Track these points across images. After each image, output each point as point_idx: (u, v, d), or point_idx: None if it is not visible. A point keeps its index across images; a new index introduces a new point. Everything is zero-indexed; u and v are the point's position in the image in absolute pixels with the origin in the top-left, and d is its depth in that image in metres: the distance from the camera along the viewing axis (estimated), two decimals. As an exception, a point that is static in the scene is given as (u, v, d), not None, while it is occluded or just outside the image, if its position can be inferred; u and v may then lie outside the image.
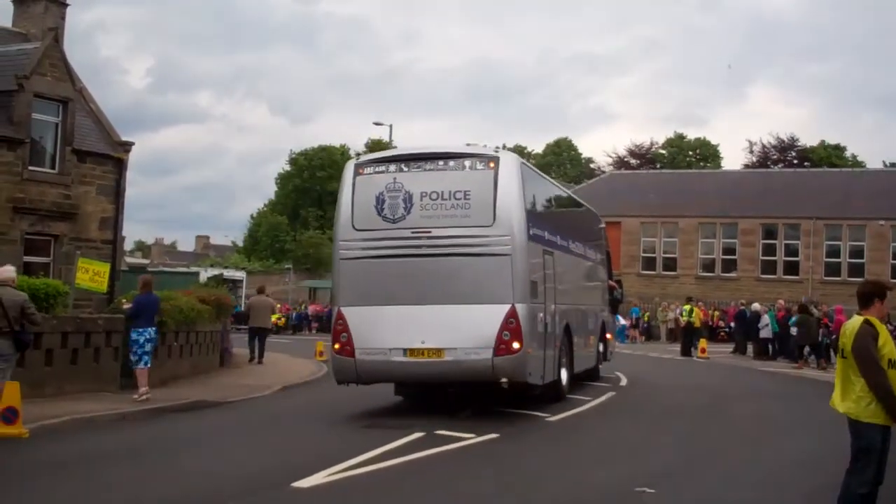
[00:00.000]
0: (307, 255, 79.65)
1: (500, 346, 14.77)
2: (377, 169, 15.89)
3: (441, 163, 15.74)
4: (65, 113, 25.87)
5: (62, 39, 26.94)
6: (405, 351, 15.09)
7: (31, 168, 24.86)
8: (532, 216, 15.94)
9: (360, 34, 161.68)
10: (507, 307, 14.88)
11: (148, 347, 16.72)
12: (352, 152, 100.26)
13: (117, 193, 27.38)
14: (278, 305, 53.76)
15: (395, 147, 63.39)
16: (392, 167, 15.82)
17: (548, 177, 21.57)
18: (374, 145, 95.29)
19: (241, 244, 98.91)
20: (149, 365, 16.77)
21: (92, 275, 19.54)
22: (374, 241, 15.50)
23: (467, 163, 15.64)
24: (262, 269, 77.19)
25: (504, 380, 15.03)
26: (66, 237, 25.39)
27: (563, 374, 17.90)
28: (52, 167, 25.74)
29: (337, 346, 15.57)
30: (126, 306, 17.61)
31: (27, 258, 24.29)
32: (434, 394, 17.56)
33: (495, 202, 15.23)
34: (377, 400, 18.12)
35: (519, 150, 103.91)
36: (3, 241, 23.65)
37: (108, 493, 9.56)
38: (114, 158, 27.37)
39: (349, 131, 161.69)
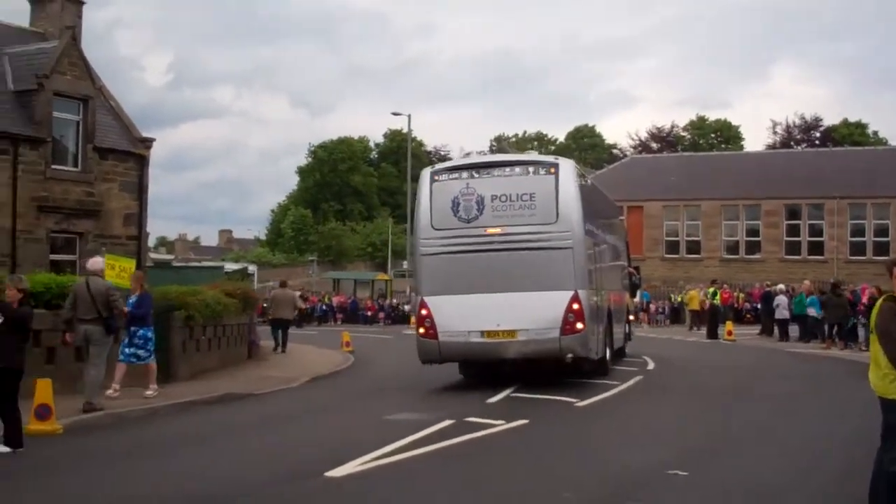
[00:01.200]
0: (329, 246, 79.83)
1: (566, 327, 16.92)
2: (451, 176, 17.95)
3: (508, 169, 17.90)
4: (85, 111, 26.01)
5: (80, 38, 27.04)
6: (482, 333, 17.20)
7: (53, 167, 25.02)
8: (584, 213, 17.78)
9: (379, 25, 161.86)
10: (570, 293, 16.96)
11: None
12: (371, 143, 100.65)
13: (140, 190, 27.53)
14: (308, 297, 54.16)
15: (415, 137, 63.51)
16: (464, 174, 17.88)
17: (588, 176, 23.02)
18: (394, 136, 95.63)
19: (263, 237, 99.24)
20: None
21: (118, 271, 19.57)
22: (452, 239, 17.53)
23: (531, 169, 17.80)
24: (286, 261, 77.45)
25: (570, 356, 17.18)
26: (91, 234, 25.55)
27: (608, 352, 19.86)
28: (75, 165, 25.90)
29: (422, 330, 17.64)
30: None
31: (53, 256, 24.49)
32: (487, 374, 18.96)
33: (557, 202, 17.29)
34: (407, 388, 18.34)
35: (540, 138, 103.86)
36: (29, 240, 23.85)
37: (141, 486, 9.61)
38: (135, 155, 27.51)
39: (369, 122, 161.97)
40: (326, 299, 58.69)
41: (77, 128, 25.98)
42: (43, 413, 12.52)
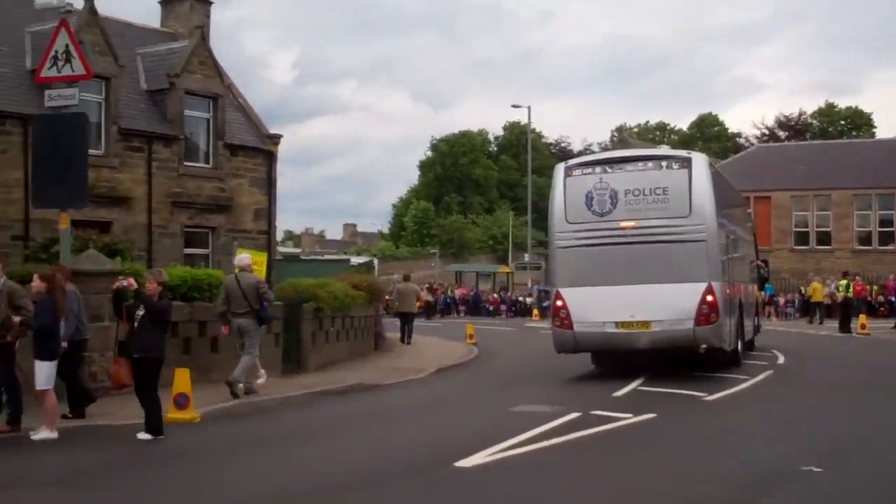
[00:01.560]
0: (451, 239, 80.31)
1: (700, 318, 17.20)
2: (584, 171, 18.36)
3: (640, 164, 18.24)
4: (215, 108, 26.72)
5: (208, 37, 27.80)
6: (617, 323, 17.55)
7: (186, 163, 25.81)
8: (717, 206, 18.05)
9: (497, 16, 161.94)
10: (704, 285, 17.28)
11: None
12: (490, 136, 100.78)
13: (269, 185, 28.19)
14: (436, 288, 55.03)
15: (535, 129, 63.48)
16: (598, 169, 18.34)
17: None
18: (513, 128, 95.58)
19: (386, 231, 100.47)
20: None
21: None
22: (586, 232, 17.94)
23: (664, 163, 18.09)
24: (409, 254, 78.27)
25: (703, 346, 17.55)
26: (223, 229, 26.29)
27: (739, 344, 20.07)
28: (207, 162, 26.66)
29: (557, 320, 18.12)
30: None
31: (187, 250, 25.30)
32: (618, 365, 19.26)
33: (691, 196, 17.57)
34: (532, 381, 18.43)
35: (662, 128, 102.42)
36: (164, 235, 24.68)
37: (275, 474, 9.88)
38: (264, 151, 28.16)
39: (488, 115, 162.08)
40: (449, 292, 59.08)
41: (208, 125, 26.73)
42: (181, 402, 12.96)
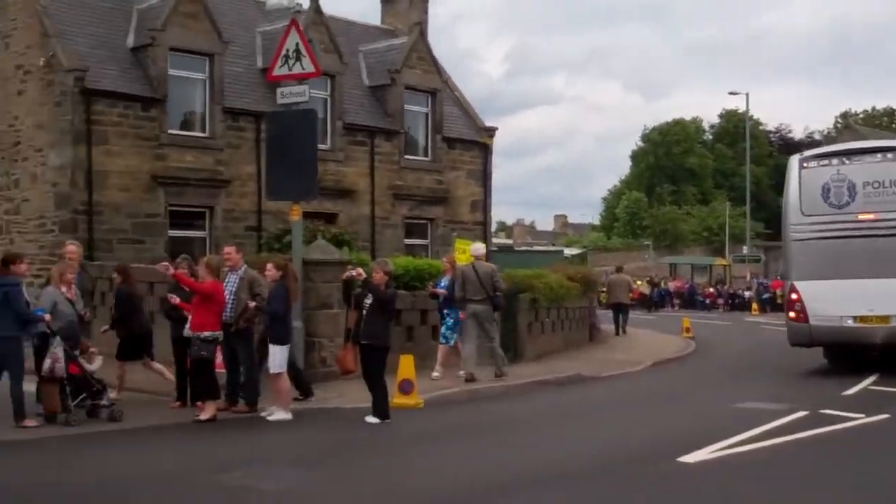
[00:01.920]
0: (665, 231, 78.91)
1: None
2: (821, 163, 18.11)
3: (880, 156, 17.85)
4: (433, 103, 27.35)
5: (426, 33, 28.41)
6: (854, 318, 17.21)
7: (406, 157, 26.55)
8: None
9: (715, 2, 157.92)
10: None
11: None
12: (705, 124, 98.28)
13: (484, 177, 28.62)
14: (657, 282, 54.64)
15: (752, 116, 61.62)
16: (835, 160, 18.00)
17: None
18: (729, 116, 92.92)
19: (597, 222, 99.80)
20: None
21: (468, 255, 20.48)
22: (822, 225, 17.65)
23: None
24: (621, 246, 77.51)
25: None
26: (441, 220, 26.90)
27: None
28: (425, 155, 27.32)
29: (792, 314, 17.96)
30: (438, 290, 16.92)
31: (407, 240, 26.05)
32: (853, 360, 18.53)
33: None
34: (754, 377, 18.02)
35: (890, 113, 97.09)
36: (386, 226, 25.49)
37: (497, 459, 10.00)
38: (480, 144, 28.60)
39: (702, 103, 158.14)
40: (663, 284, 58.14)
41: (426, 119, 27.40)
42: (406, 387, 13.35)
